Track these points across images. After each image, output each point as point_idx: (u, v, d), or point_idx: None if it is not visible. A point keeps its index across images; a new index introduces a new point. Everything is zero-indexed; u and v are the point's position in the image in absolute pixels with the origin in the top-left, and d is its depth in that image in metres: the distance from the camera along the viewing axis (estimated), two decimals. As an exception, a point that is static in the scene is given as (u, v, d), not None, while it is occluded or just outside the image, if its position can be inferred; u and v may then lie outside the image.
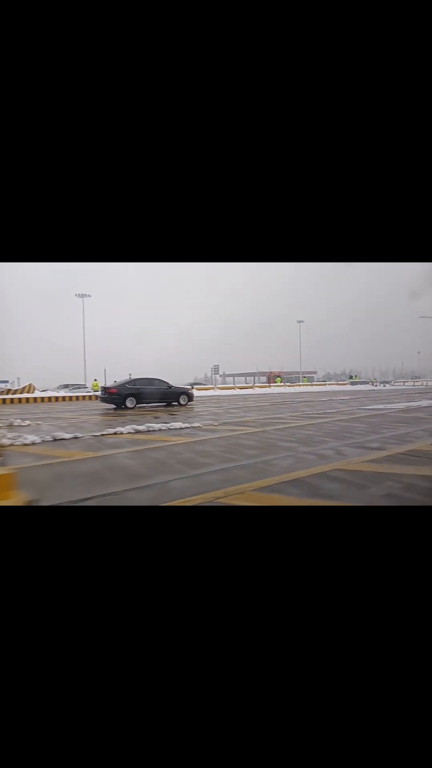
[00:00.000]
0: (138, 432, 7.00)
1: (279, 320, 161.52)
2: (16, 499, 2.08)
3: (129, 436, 6.69)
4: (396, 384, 49.26)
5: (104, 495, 3.27)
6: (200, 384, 35.52)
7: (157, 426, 7.48)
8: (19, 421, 9.16)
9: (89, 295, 36.20)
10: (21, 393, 22.05)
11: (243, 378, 61.09)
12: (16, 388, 23.11)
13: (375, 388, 36.35)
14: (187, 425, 7.72)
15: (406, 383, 50.68)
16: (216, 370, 44.08)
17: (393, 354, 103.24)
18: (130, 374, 17.92)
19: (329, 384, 42.52)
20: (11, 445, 5.88)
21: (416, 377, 64.10)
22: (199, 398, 18.21)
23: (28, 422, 9.05)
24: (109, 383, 17.61)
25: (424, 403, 13.50)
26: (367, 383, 47.32)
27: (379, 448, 5.14)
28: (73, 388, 27.89)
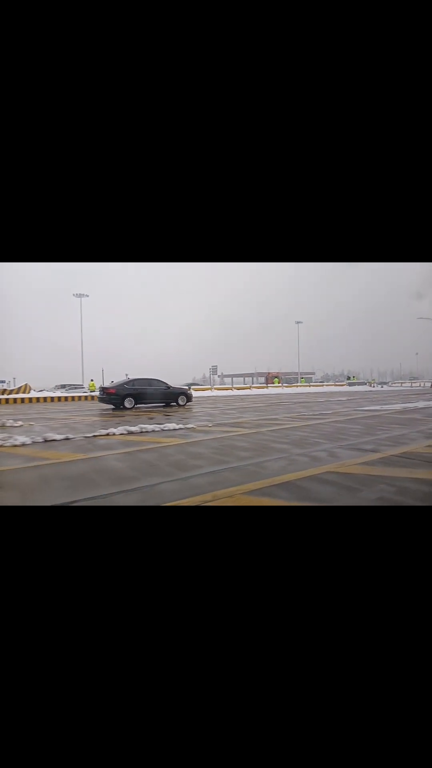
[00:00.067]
0: (130, 433, 6.92)
1: (279, 320, 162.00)
2: None
3: (121, 437, 6.60)
4: (394, 385, 49.31)
5: (89, 498, 3.19)
6: (197, 384, 35.45)
7: (150, 427, 7.40)
8: (11, 421, 9.06)
9: (87, 295, 36.12)
10: (17, 393, 21.93)
11: (242, 379, 61.17)
12: (11, 388, 22.98)
13: (373, 389, 36.36)
14: (181, 426, 7.64)
15: (403, 384, 50.73)
16: (214, 370, 44.02)
17: (392, 354, 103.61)
18: (126, 374, 17.84)
19: (327, 385, 42.57)
20: (0, 446, 5.78)
21: (414, 378, 64.18)
22: (196, 399, 18.11)
23: (20, 423, 8.95)
24: (107, 383, 17.55)
25: (421, 404, 13.46)
26: (365, 384, 47.37)
27: (373, 450, 5.07)
28: (69, 389, 27.77)
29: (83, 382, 31.06)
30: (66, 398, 22.44)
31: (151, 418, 9.61)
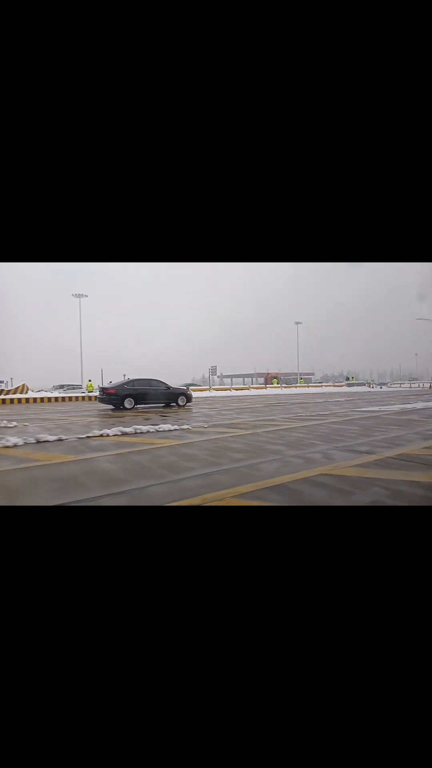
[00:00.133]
0: (125, 434, 6.85)
1: (279, 320, 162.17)
2: None
3: (115, 438, 6.53)
4: (393, 386, 49.27)
5: (75, 501, 3.12)
6: (195, 385, 35.39)
7: (145, 428, 7.33)
8: (5, 422, 8.99)
9: (86, 296, 36.01)
10: (14, 393, 21.84)
11: (241, 379, 61.13)
12: (9, 388, 22.90)
13: (372, 389, 36.31)
14: (176, 427, 7.57)
15: (402, 385, 50.71)
16: (214, 371, 43.95)
17: (392, 355, 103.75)
18: (124, 375, 17.78)
19: (326, 385, 42.51)
20: (-8, 447, 5.71)
21: (413, 379, 64.16)
22: (194, 400, 18.04)
23: (14, 423, 8.88)
24: (106, 384, 17.47)
25: (420, 405, 13.39)
26: (364, 385, 47.34)
27: (368, 452, 5.00)
28: (68, 389, 27.71)
29: (82, 382, 30.96)
30: (64, 399, 22.33)
31: (147, 419, 9.54)
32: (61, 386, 29.75)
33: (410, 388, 41.66)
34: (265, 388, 35.23)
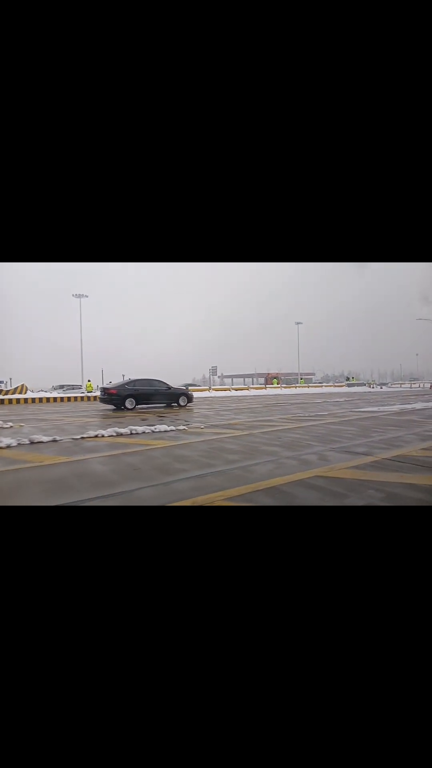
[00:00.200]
0: (119, 435, 6.78)
1: (279, 320, 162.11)
2: None
3: (109, 439, 6.46)
4: (393, 386, 49.15)
5: (62, 505, 3.04)
6: (194, 385, 35.31)
7: (140, 429, 7.26)
8: (1, 423, 8.92)
9: (86, 296, 35.95)
10: (13, 393, 21.79)
11: (242, 379, 61.05)
12: (8, 388, 22.85)
13: (372, 390, 36.20)
14: (172, 428, 7.50)
15: (403, 385, 50.58)
16: (214, 371, 43.88)
17: (392, 355, 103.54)
18: (123, 375, 17.71)
19: (326, 386, 42.42)
20: (-16, 448, 5.64)
21: (414, 379, 63.99)
22: (194, 400, 17.95)
23: (10, 424, 8.81)
24: (106, 384, 17.41)
25: (419, 405, 13.29)
26: (365, 385, 47.24)
27: (365, 453, 4.92)
28: (67, 389, 27.67)
29: (82, 382, 30.89)
30: (63, 399, 22.26)
31: (144, 419, 9.47)
32: (61, 386, 29.70)
33: (411, 388, 41.50)
34: (265, 388, 35.15)
